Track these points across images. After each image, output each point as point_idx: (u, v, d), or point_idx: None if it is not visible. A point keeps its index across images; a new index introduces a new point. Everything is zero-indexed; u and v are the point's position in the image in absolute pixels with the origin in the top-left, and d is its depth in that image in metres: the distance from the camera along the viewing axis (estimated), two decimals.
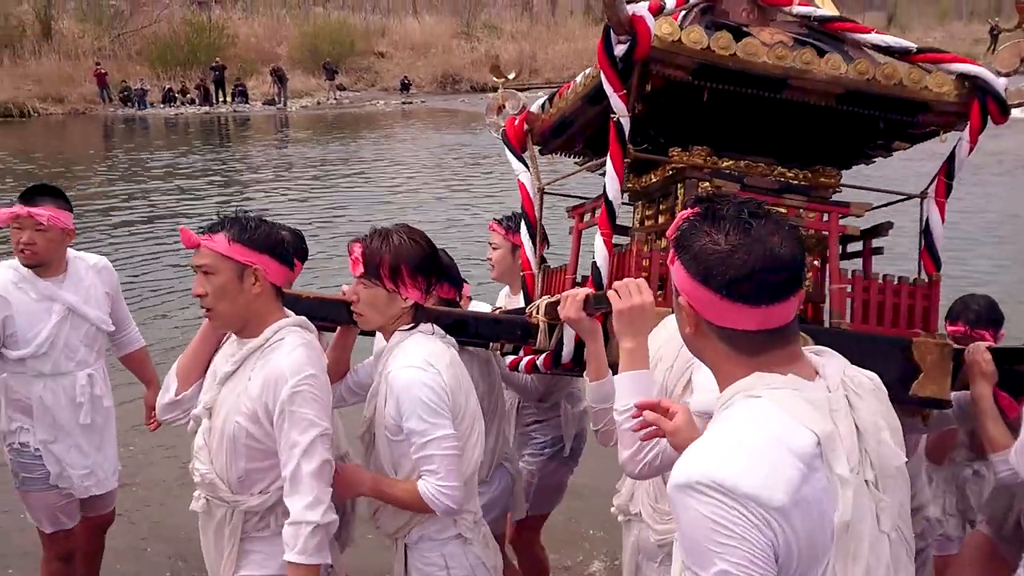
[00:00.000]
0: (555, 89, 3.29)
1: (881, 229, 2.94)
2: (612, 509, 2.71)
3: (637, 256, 2.78)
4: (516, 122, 3.41)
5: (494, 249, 3.84)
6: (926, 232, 2.88)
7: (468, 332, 2.90)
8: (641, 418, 1.95)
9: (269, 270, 2.50)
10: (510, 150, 3.42)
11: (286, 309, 2.61)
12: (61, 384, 3.60)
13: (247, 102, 37.22)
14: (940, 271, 2.86)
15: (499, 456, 3.42)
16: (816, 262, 2.94)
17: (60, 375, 3.60)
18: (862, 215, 2.88)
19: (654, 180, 3.08)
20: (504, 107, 3.43)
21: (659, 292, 2.68)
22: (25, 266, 3.52)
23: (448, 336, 2.71)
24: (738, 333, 1.55)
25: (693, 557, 1.42)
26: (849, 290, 2.78)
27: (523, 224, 3.33)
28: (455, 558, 2.61)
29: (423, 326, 2.64)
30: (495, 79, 3.46)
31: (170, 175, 19.13)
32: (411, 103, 38.78)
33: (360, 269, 2.57)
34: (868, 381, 1.63)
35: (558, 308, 2.58)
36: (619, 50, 2.57)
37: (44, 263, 3.53)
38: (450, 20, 51.06)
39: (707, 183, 2.83)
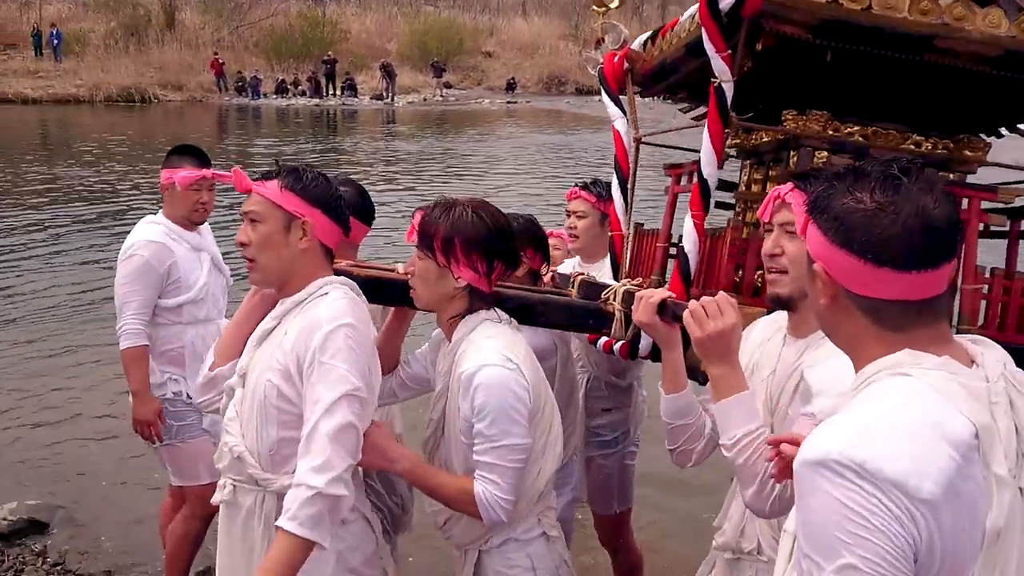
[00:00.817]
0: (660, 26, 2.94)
1: None
2: (714, 547, 2.35)
3: (732, 246, 2.49)
4: (616, 59, 2.99)
5: (579, 218, 3.50)
6: None
7: (535, 318, 2.58)
8: (775, 456, 1.71)
9: (319, 225, 2.32)
10: (606, 91, 3.02)
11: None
12: (209, 330, 3.79)
13: (356, 96, 37.95)
14: None
15: (572, 447, 3.24)
16: None
17: (208, 321, 3.82)
18: (1011, 202, 2.47)
19: (765, 140, 2.75)
20: (604, 40, 3.02)
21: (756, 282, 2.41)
22: (195, 223, 3.82)
23: (514, 321, 2.45)
24: (884, 304, 1.37)
25: (816, 546, 1.24)
26: (986, 291, 2.41)
27: (614, 177, 2.98)
28: (541, 558, 2.44)
29: (487, 312, 2.37)
30: (595, 7, 2.99)
31: (276, 163, 19.61)
32: (516, 103, 38.92)
33: (415, 238, 2.36)
34: None
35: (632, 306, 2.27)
36: (724, 3, 2.26)
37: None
38: (558, 22, 51.07)
39: (825, 152, 2.51)
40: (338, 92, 38.45)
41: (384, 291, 2.52)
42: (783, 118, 2.61)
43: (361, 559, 2.37)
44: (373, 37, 45.56)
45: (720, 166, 2.52)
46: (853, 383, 1.42)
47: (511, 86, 42.43)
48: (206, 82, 36.82)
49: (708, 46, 2.34)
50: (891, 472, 1.20)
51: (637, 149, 2.93)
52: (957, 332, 2.29)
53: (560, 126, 29.14)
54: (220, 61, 37.05)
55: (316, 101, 36.86)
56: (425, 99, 39.07)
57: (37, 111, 30.31)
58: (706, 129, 2.44)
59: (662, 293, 2.22)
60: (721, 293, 2.03)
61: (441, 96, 40.02)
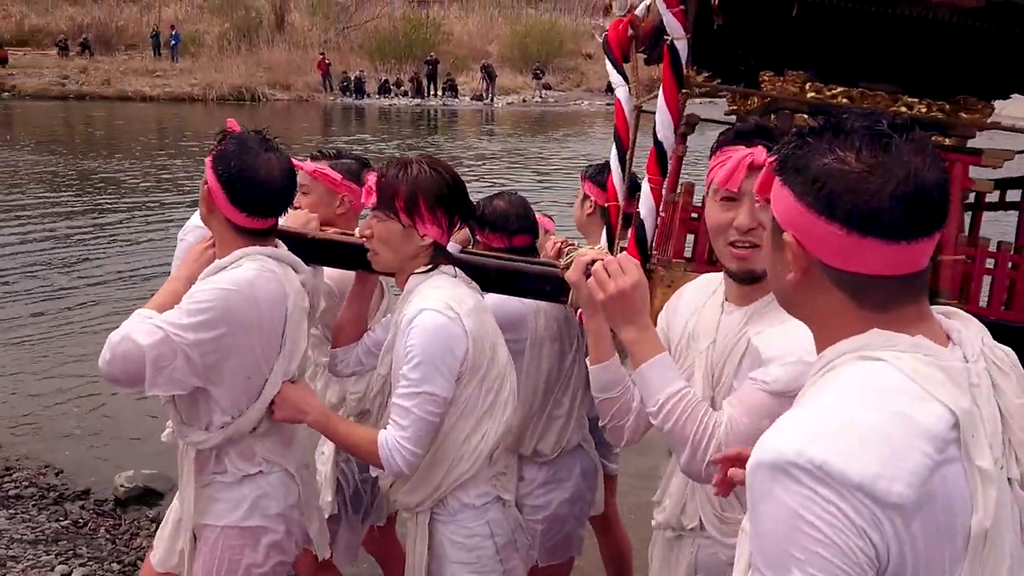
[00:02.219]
0: None
1: None
2: (653, 523, 2.22)
3: (683, 211, 2.35)
4: (620, 26, 2.86)
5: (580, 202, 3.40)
6: None
7: (490, 284, 2.50)
8: (721, 482, 1.58)
9: (219, 203, 2.32)
10: (609, 58, 2.90)
11: (279, 242, 2.44)
12: None
13: (456, 96, 38.41)
14: None
15: (574, 434, 2.98)
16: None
17: None
18: (1000, 166, 2.31)
19: (755, 106, 2.63)
20: (612, 7, 2.88)
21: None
22: None
23: (474, 282, 2.40)
24: (866, 280, 1.20)
25: (766, 559, 1.11)
26: (992, 266, 2.26)
27: (613, 147, 2.88)
28: (498, 524, 2.39)
29: (444, 267, 2.34)
30: None
31: (376, 160, 20.08)
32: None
33: (373, 199, 2.31)
34: (1006, 356, 1.25)
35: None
36: None
37: None
38: None
39: (804, 116, 2.35)
40: (439, 92, 38.98)
41: (339, 254, 2.56)
42: (760, 80, 2.49)
43: (277, 508, 2.44)
44: (474, 39, 46.02)
45: (678, 129, 2.42)
46: (814, 366, 1.26)
47: (611, 88, 42.12)
48: (312, 82, 37.80)
49: (659, 2, 2.28)
50: (856, 475, 1.06)
51: (637, 117, 2.77)
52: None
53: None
54: (327, 62, 37.98)
55: (417, 101, 37.45)
56: (524, 100, 39.27)
57: (154, 108, 31.69)
58: (660, 92, 2.34)
59: (594, 254, 2.05)
60: (623, 253, 1.96)
61: (540, 97, 40.15)
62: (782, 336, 1.67)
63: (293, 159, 2.90)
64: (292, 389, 2.39)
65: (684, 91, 2.40)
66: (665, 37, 2.29)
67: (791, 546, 1.08)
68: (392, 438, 2.22)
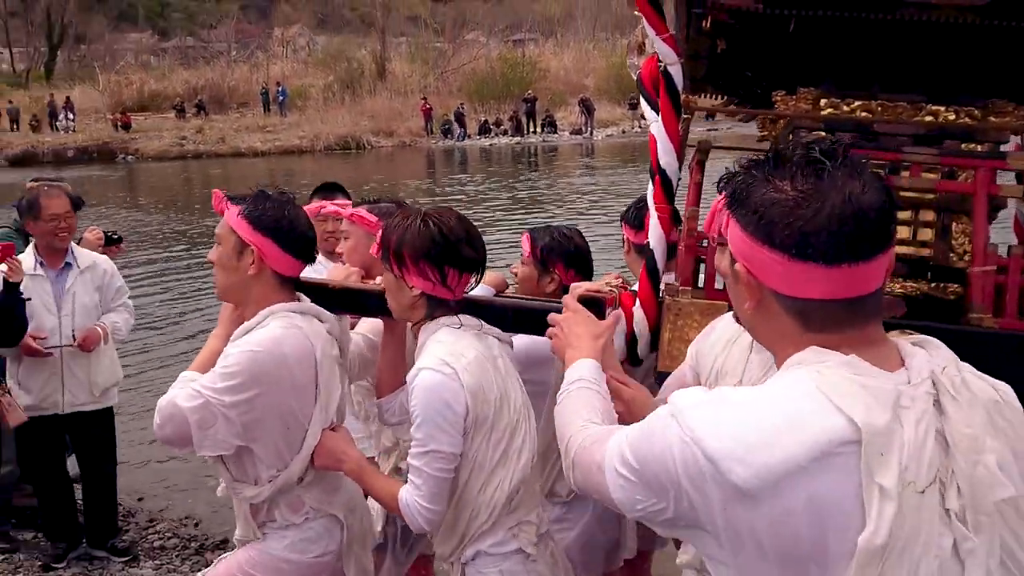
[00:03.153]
0: None
1: None
2: (677, 562, 2.18)
3: (687, 236, 2.32)
4: (653, 62, 2.82)
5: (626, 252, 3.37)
6: None
7: (509, 324, 2.47)
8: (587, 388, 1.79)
9: (268, 253, 2.40)
10: (644, 95, 2.83)
11: (302, 295, 2.52)
12: None
13: (556, 132, 38.68)
14: None
15: None
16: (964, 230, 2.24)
17: None
18: None
19: (779, 129, 2.52)
20: (644, 45, 2.85)
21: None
22: (325, 252, 3.86)
23: (488, 326, 2.41)
24: (812, 304, 1.22)
25: (636, 454, 1.31)
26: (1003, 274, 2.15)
27: (649, 183, 2.78)
28: (514, 575, 2.34)
29: (448, 319, 2.35)
30: (636, 11, 2.73)
31: (480, 199, 20.36)
32: (716, 130, 38.37)
33: (377, 249, 2.39)
34: (988, 389, 1.24)
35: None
36: None
37: None
38: None
39: (822, 133, 2.29)
40: (538, 129, 39.34)
41: (359, 302, 2.60)
42: (773, 100, 2.42)
43: (316, 552, 2.52)
44: (571, 73, 46.36)
45: (680, 155, 2.39)
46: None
47: (711, 114, 41.67)
48: (414, 127, 38.72)
49: (648, 29, 2.25)
50: (710, 447, 1.17)
51: (682, 148, 2.75)
52: (968, 322, 2.06)
53: (762, 150, 28.35)
54: (428, 106, 38.85)
55: (517, 139, 37.87)
56: (623, 131, 39.22)
57: (265, 162, 32.98)
58: (659, 119, 2.33)
59: (587, 286, 2.20)
60: (568, 296, 1.95)
61: (639, 128, 40.07)
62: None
63: (334, 204, 2.94)
64: (331, 438, 2.47)
65: (685, 116, 2.39)
66: (660, 63, 2.27)
67: (660, 469, 1.24)
68: (410, 496, 2.26)
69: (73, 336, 4.46)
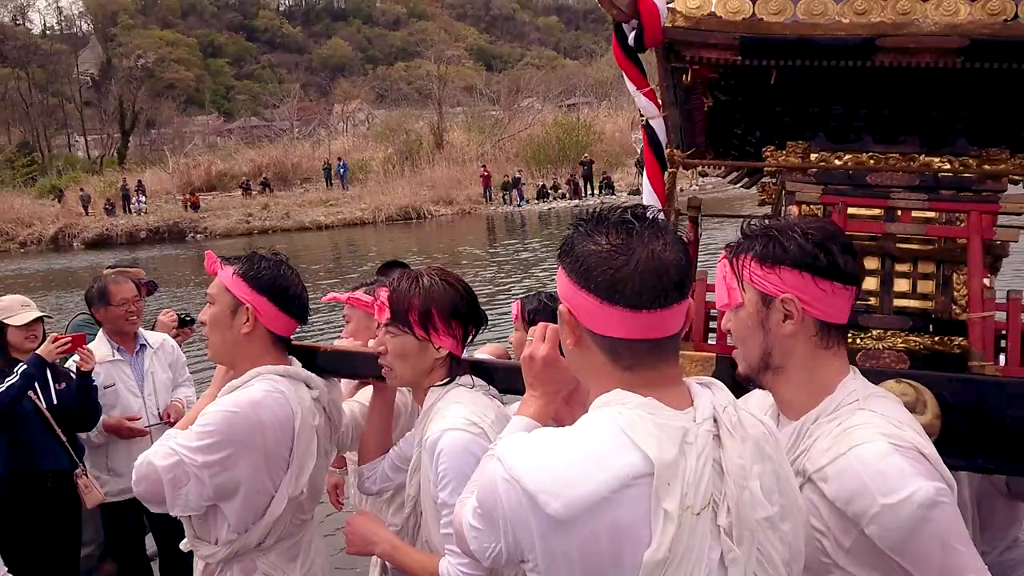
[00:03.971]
0: None
1: None
2: None
3: None
4: None
5: None
6: None
7: (506, 386, 2.40)
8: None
9: (263, 312, 2.42)
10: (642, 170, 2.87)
11: (293, 359, 2.52)
12: None
13: (613, 193, 38.80)
14: None
15: None
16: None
17: None
18: (1022, 213, 2.18)
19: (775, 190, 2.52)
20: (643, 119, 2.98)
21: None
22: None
23: (493, 388, 2.36)
24: (619, 343, 1.44)
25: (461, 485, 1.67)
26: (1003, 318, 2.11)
27: None
28: None
29: (462, 379, 2.30)
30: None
31: (535, 263, 20.42)
32: (722, 192, 38.16)
33: (387, 315, 2.30)
34: (758, 425, 1.49)
35: None
36: (635, 39, 2.13)
37: None
38: None
39: (815, 186, 2.26)
40: (596, 191, 39.54)
41: (352, 364, 2.57)
42: (764, 155, 2.39)
43: None
44: (625, 135, 46.60)
45: (668, 207, 2.37)
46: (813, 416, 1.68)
47: (708, 174, 41.47)
48: (473, 194, 39.23)
49: (629, 84, 2.24)
50: (528, 484, 1.35)
51: (676, 219, 2.75)
52: (968, 369, 2.01)
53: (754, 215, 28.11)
54: (487, 172, 39.38)
55: (576, 202, 38.08)
56: (682, 189, 39.07)
57: (329, 235, 33.68)
58: (644, 175, 2.32)
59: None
60: (550, 326, 1.87)
61: (698, 186, 39.99)
62: (849, 471, 1.60)
63: (332, 292, 2.94)
64: (360, 522, 2.38)
65: (671, 170, 2.37)
66: (640, 117, 2.26)
67: (471, 512, 1.52)
68: (453, 568, 2.12)
69: (158, 414, 4.62)
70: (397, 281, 2.31)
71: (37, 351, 4.19)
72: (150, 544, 4.91)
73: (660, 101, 2.26)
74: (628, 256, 1.40)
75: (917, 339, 2.15)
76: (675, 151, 2.35)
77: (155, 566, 4.92)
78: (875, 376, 1.95)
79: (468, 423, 2.15)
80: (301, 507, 2.53)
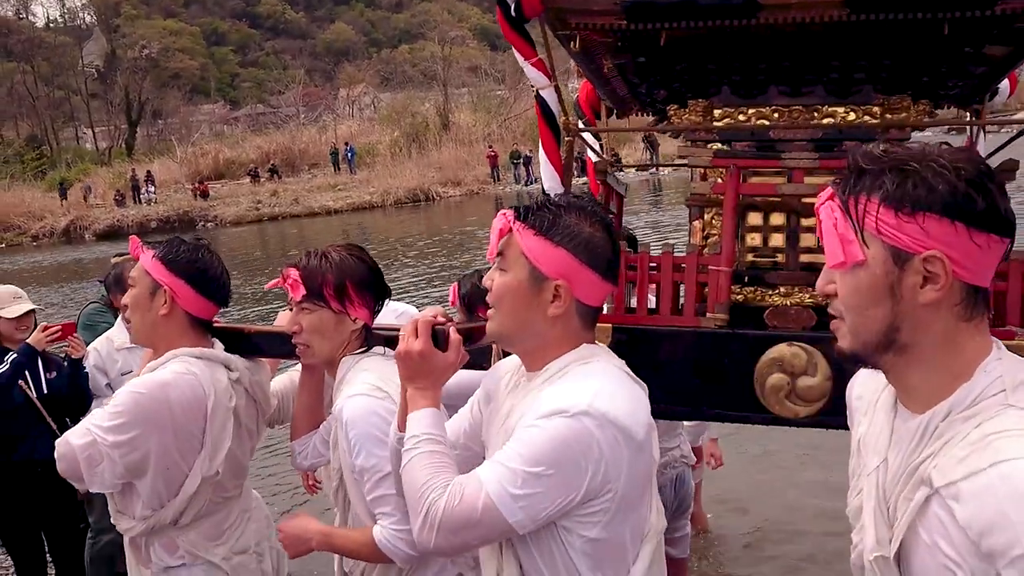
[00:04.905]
0: None
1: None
2: None
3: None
4: (589, 87, 2.91)
5: None
6: None
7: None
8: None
9: (181, 295, 2.47)
10: (581, 119, 2.94)
11: (215, 341, 2.57)
12: None
13: (621, 170, 38.57)
14: None
15: None
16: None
17: None
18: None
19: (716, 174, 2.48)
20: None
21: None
22: None
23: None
24: (592, 310, 1.77)
25: (532, 454, 1.59)
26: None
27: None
28: None
29: (375, 348, 2.34)
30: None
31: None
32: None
33: (301, 292, 2.30)
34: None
35: None
36: (515, 10, 2.15)
37: None
38: None
39: (717, 144, 2.27)
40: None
41: (278, 345, 2.54)
42: (668, 113, 2.41)
43: None
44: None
45: (566, 179, 2.34)
46: (545, 373, 1.74)
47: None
48: (481, 175, 39.15)
49: (518, 56, 2.24)
50: (621, 421, 1.62)
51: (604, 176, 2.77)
52: None
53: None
54: (493, 153, 39.27)
55: (584, 179, 37.88)
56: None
57: (339, 220, 33.72)
58: (540, 144, 2.29)
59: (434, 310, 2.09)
60: (423, 316, 1.87)
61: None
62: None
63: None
64: (290, 524, 2.36)
65: (568, 139, 2.36)
66: (532, 87, 2.23)
67: (550, 454, 1.60)
68: (386, 530, 2.14)
69: None
70: (305, 259, 2.34)
71: (27, 340, 4.26)
72: None
73: (549, 71, 2.25)
74: (610, 239, 1.75)
75: None
76: (569, 120, 2.35)
77: None
78: (767, 340, 2.03)
79: (372, 388, 2.18)
80: (222, 486, 2.58)
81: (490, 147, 39.98)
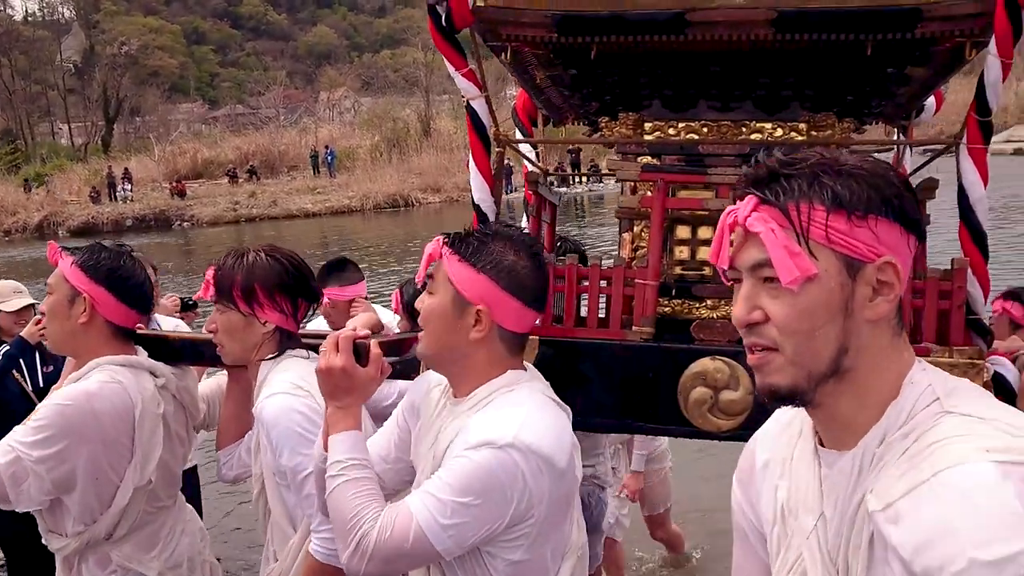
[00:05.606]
0: None
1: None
2: None
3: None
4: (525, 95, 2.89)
5: None
6: (960, 196, 2.02)
7: None
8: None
9: (102, 302, 2.40)
10: (518, 127, 2.99)
11: (139, 349, 2.51)
12: None
13: (601, 181, 38.76)
14: (986, 254, 2.00)
15: None
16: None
17: None
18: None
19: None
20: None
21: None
22: None
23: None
24: (517, 336, 1.85)
25: (458, 482, 1.66)
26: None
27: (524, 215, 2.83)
28: None
29: (296, 351, 2.31)
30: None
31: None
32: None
33: (211, 292, 2.32)
34: None
35: None
36: (446, 20, 2.15)
37: None
38: None
39: (647, 157, 2.29)
40: (584, 180, 39.46)
41: (202, 353, 2.52)
42: (600, 126, 2.43)
43: None
44: None
45: (495, 191, 2.37)
46: (471, 400, 1.80)
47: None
48: (461, 182, 38.99)
49: (448, 66, 2.24)
50: (544, 450, 1.69)
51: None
52: None
53: None
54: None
55: (564, 189, 38.04)
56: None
57: (317, 223, 33.56)
58: (471, 156, 2.31)
59: (362, 320, 2.26)
60: (344, 331, 1.91)
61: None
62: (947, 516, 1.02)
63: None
64: None
65: (499, 149, 2.38)
66: (463, 97, 2.24)
67: (477, 485, 1.66)
68: (319, 537, 2.08)
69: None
70: (223, 259, 2.33)
71: (21, 333, 4.23)
72: None
73: (480, 82, 2.25)
74: (536, 269, 1.83)
75: None
76: (499, 131, 2.34)
77: None
78: (690, 355, 2.06)
79: (292, 386, 2.16)
80: (155, 496, 2.52)
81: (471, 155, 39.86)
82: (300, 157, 45.64)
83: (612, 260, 2.28)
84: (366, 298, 3.79)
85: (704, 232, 2.29)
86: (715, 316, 2.21)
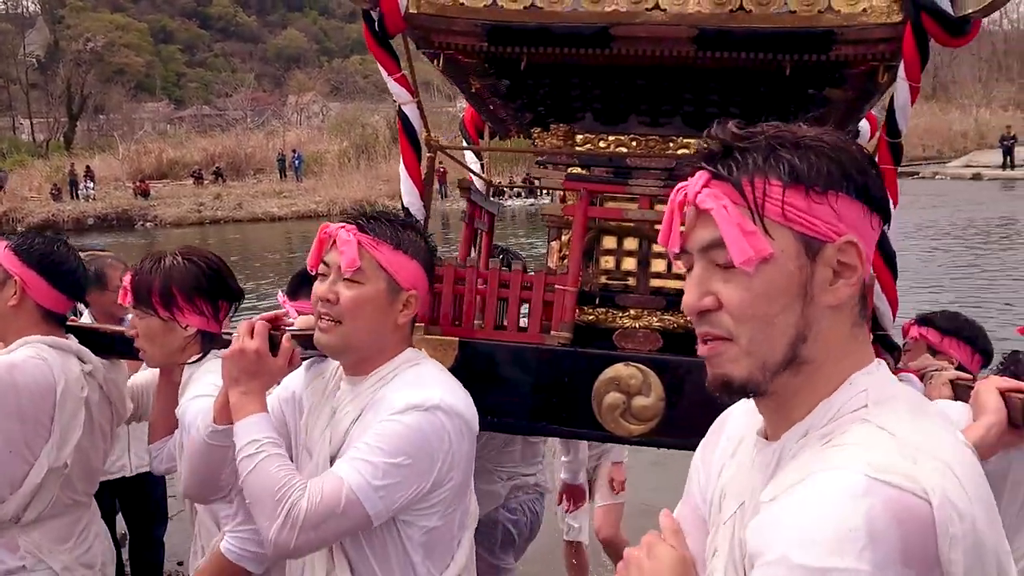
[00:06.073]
0: None
1: None
2: None
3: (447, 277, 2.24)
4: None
5: None
6: None
7: None
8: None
9: (32, 285, 2.39)
10: (465, 139, 3.07)
11: (69, 335, 2.49)
12: None
13: (499, 192, 38.93)
14: (895, 272, 2.05)
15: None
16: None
17: None
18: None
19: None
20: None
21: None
22: None
23: None
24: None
25: (390, 446, 1.75)
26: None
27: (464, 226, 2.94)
28: None
29: (220, 351, 2.19)
30: None
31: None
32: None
33: (129, 298, 2.29)
34: None
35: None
36: (379, 26, 2.17)
37: None
38: None
39: (576, 169, 2.33)
40: (549, 192, 39.51)
41: (130, 345, 2.46)
42: (532, 136, 2.48)
43: None
44: None
45: (425, 196, 2.39)
46: (374, 376, 1.88)
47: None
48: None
49: (382, 71, 2.25)
50: (464, 412, 1.85)
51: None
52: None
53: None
54: (441, 169, 39.12)
55: (531, 200, 38.16)
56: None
57: (282, 227, 33.31)
58: (401, 161, 2.34)
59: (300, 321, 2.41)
60: (260, 317, 1.99)
61: None
62: (798, 514, 0.98)
63: None
64: None
65: (429, 155, 2.40)
66: (395, 102, 2.27)
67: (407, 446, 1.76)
68: (232, 537, 2.12)
69: None
70: (140, 264, 2.32)
71: None
72: (120, 526, 4.89)
73: (412, 87, 2.28)
74: (433, 252, 2.02)
75: (671, 318, 2.28)
76: (430, 136, 2.36)
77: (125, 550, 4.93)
78: (605, 360, 2.11)
79: (214, 388, 2.11)
80: (71, 486, 2.48)
81: (440, 163, 39.79)
82: (267, 160, 45.32)
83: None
84: None
85: (629, 243, 2.37)
86: (637, 326, 2.27)
